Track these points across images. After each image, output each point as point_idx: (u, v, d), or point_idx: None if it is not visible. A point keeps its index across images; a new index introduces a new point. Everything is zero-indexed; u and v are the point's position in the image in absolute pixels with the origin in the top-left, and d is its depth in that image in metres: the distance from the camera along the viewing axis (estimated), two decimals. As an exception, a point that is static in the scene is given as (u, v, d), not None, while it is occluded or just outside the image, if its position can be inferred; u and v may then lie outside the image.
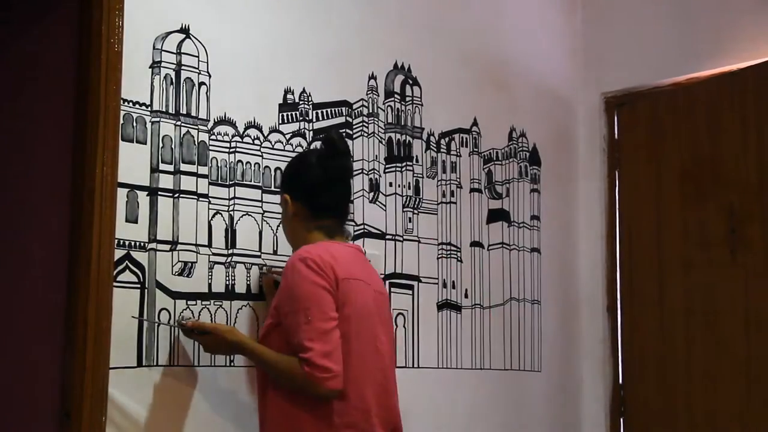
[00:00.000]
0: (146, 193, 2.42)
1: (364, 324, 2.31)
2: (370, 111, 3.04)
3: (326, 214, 2.42)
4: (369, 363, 2.31)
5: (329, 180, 2.42)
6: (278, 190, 2.67)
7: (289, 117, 2.79)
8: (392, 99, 3.12)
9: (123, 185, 2.36)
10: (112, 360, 2.29)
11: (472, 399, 3.30)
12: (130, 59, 2.40)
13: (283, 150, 2.76)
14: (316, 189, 2.41)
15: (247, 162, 2.66)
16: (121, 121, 2.37)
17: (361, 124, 3.00)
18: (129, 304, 2.35)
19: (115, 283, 2.32)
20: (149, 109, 2.45)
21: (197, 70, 2.57)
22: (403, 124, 3.16)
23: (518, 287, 3.55)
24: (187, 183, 2.51)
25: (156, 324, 2.37)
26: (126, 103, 2.39)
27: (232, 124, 2.64)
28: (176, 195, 2.48)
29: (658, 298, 3.64)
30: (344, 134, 2.93)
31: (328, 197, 2.41)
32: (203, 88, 2.58)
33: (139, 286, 2.38)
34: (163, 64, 2.49)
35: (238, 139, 2.64)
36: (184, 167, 2.50)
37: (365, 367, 2.29)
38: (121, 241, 2.35)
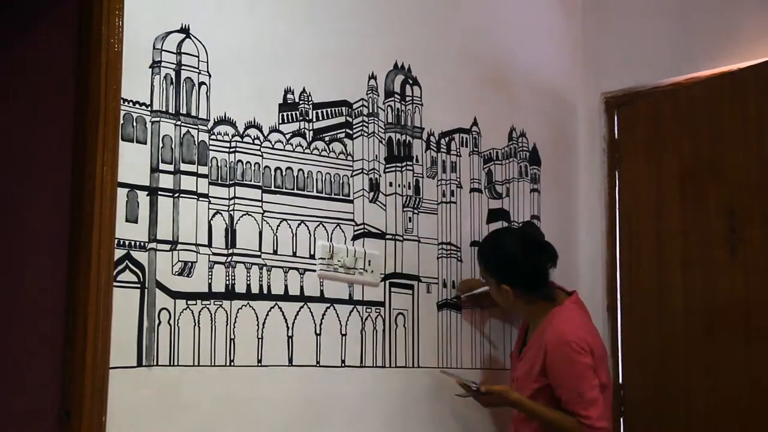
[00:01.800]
0: (146, 193, 2.42)
1: (605, 368, 2.95)
2: (370, 111, 3.04)
3: (541, 285, 3.00)
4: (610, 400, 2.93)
5: (540, 269, 2.99)
6: (279, 189, 2.67)
7: (289, 117, 2.79)
8: (392, 99, 3.12)
9: (123, 185, 2.36)
10: (112, 360, 2.29)
11: (472, 399, 3.29)
12: (130, 59, 2.40)
13: (283, 150, 2.76)
14: (532, 279, 2.98)
15: (247, 162, 2.66)
16: (121, 121, 2.37)
17: (361, 124, 3.00)
18: (129, 304, 2.35)
19: (115, 283, 2.32)
20: (149, 109, 2.45)
21: (197, 70, 2.57)
22: (403, 124, 3.16)
23: (518, 287, 3.55)
24: (187, 183, 2.51)
25: (468, 387, 2.94)
26: (126, 103, 2.39)
27: (232, 124, 2.64)
28: (176, 195, 2.48)
29: (658, 298, 3.63)
30: (343, 134, 2.94)
31: (539, 280, 2.99)
32: (203, 88, 2.58)
33: (139, 286, 2.38)
34: (163, 64, 2.49)
35: (238, 138, 2.65)
36: (184, 167, 2.51)
37: (609, 404, 2.91)
38: (121, 241, 2.35)
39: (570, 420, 2.79)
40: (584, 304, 3.08)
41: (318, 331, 2.79)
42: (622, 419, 3.73)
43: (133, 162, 2.39)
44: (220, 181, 2.59)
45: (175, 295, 2.45)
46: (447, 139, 3.32)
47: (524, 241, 3.05)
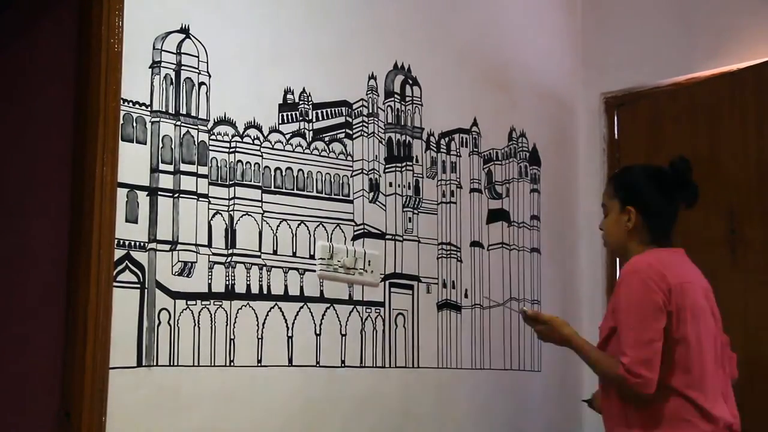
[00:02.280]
0: (146, 193, 2.42)
1: (700, 323, 2.47)
2: (370, 111, 3.04)
3: (661, 234, 2.59)
4: (708, 361, 2.46)
5: (673, 208, 2.59)
6: (279, 190, 2.67)
7: (289, 117, 2.79)
8: (392, 99, 3.12)
9: (123, 185, 2.36)
10: (112, 360, 2.29)
11: (472, 399, 3.30)
12: (130, 59, 2.40)
13: (283, 150, 2.76)
14: (662, 213, 2.58)
15: (247, 162, 2.66)
16: (121, 121, 2.37)
17: (361, 124, 3.00)
18: (129, 304, 2.35)
19: (115, 283, 2.32)
20: (149, 109, 2.45)
21: (197, 70, 2.57)
22: (403, 124, 3.16)
23: (518, 287, 3.55)
24: (187, 183, 2.51)
25: (508, 308, 2.64)
26: (126, 103, 2.39)
27: (232, 124, 2.64)
28: (176, 195, 2.48)
29: (658, 298, 3.63)
30: (342, 134, 2.94)
31: (668, 222, 2.60)
32: (203, 88, 2.58)
33: (139, 286, 2.38)
34: (163, 64, 2.49)
35: (238, 139, 2.65)
36: (184, 167, 2.50)
37: (705, 365, 2.45)
38: (121, 241, 2.35)
39: (610, 359, 2.45)
40: (688, 258, 2.66)
41: (318, 331, 2.79)
42: (622, 419, 3.73)
43: (133, 162, 2.39)
44: (220, 182, 2.59)
45: (175, 295, 2.45)
46: (447, 139, 3.32)
47: (665, 173, 2.62)
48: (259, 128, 2.70)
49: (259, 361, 2.63)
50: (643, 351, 2.37)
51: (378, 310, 2.97)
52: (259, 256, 2.66)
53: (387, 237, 3.05)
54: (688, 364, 2.43)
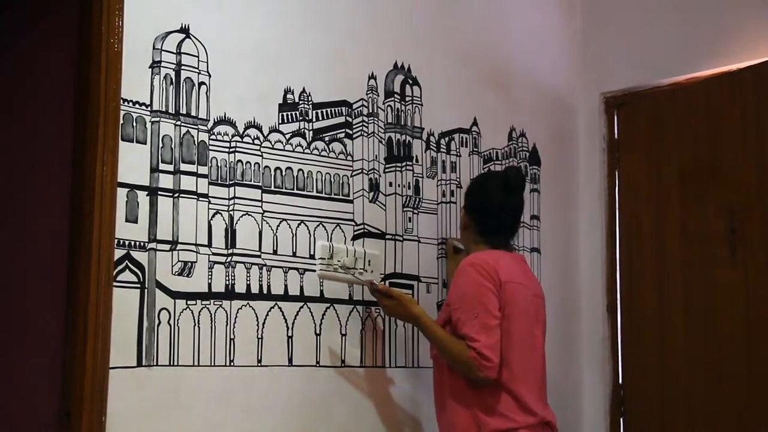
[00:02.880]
0: (146, 193, 2.42)
1: (522, 322, 2.66)
2: (370, 111, 3.04)
3: (492, 234, 2.79)
4: (525, 358, 2.65)
5: (500, 211, 2.79)
6: (279, 189, 2.68)
7: (289, 117, 2.79)
8: (392, 99, 3.12)
9: (123, 185, 2.36)
10: (112, 360, 2.29)
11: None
12: (130, 59, 2.40)
13: (283, 150, 2.76)
14: (488, 215, 2.79)
15: (247, 162, 2.66)
16: (121, 121, 2.37)
17: (361, 124, 3.00)
18: (129, 304, 2.35)
19: (115, 283, 2.32)
20: (149, 109, 2.45)
21: (197, 70, 2.57)
22: (403, 124, 3.16)
23: (518, 287, 3.55)
24: (187, 183, 2.51)
25: (354, 284, 2.75)
26: (126, 103, 2.39)
27: (232, 124, 2.64)
28: (176, 195, 2.48)
29: (658, 298, 3.63)
30: (342, 134, 2.94)
31: (495, 223, 2.79)
32: (203, 88, 2.58)
33: (139, 286, 2.38)
34: (163, 64, 2.49)
35: (238, 139, 2.65)
36: (184, 167, 2.50)
37: (522, 361, 2.63)
38: (121, 241, 2.35)
39: (459, 343, 2.57)
40: (528, 266, 2.91)
41: (318, 331, 2.79)
42: (622, 419, 3.74)
43: (133, 162, 2.39)
44: (220, 181, 2.59)
45: (175, 295, 2.45)
46: (447, 139, 3.32)
47: (499, 180, 2.83)
48: (259, 128, 2.70)
49: (259, 361, 2.63)
50: (489, 336, 2.54)
51: (378, 310, 2.97)
52: (259, 256, 2.66)
53: (387, 237, 3.05)
54: (510, 358, 2.60)
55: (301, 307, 2.76)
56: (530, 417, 2.62)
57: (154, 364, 2.38)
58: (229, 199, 2.61)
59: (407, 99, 3.18)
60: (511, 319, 2.62)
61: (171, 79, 2.50)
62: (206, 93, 2.58)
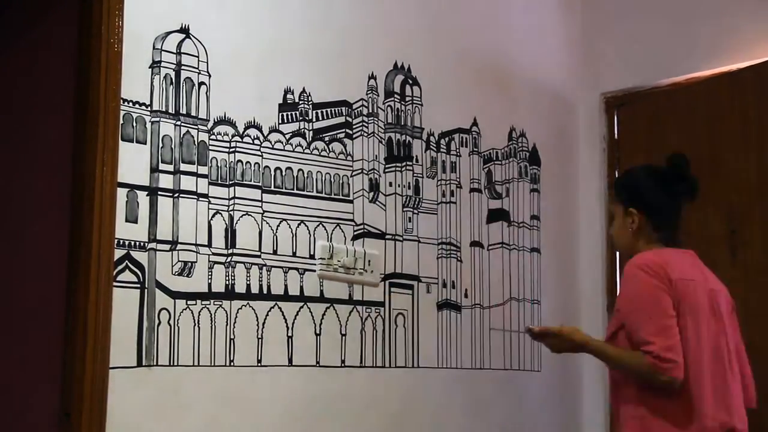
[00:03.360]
0: (146, 193, 2.42)
1: (699, 320, 2.47)
2: (370, 111, 3.04)
3: (668, 230, 2.61)
4: (702, 359, 2.45)
5: (675, 203, 2.61)
6: (279, 189, 2.68)
7: (289, 117, 2.79)
8: (392, 99, 3.12)
9: (123, 185, 2.36)
10: (112, 360, 2.29)
11: (472, 399, 3.30)
12: (130, 59, 2.40)
13: (283, 150, 2.76)
14: (663, 209, 2.60)
15: (247, 162, 2.66)
16: (121, 121, 2.37)
17: (360, 124, 3.00)
18: (129, 304, 2.35)
19: (115, 283, 2.32)
20: (149, 109, 2.45)
21: (197, 70, 2.57)
22: (403, 124, 3.16)
23: (518, 287, 3.55)
24: (187, 183, 2.51)
25: (516, 333, 2.62)
26: (126, 103, 2.39)
27: (232, 124, 2.64)
28: (176, 195, 2.48)
29: (658, 298, 3.63)
30: (342, 134, 2.94)
31: (669, 216, 2.61)
32: (203, 88, 2.58)
33: (139, 286, 2.38)
34: (163, 64, 2.49)
35: (238, 139, 2.65)
36: (184, 167, 2.50)
37: (698, 362, 2.44)
38: (121, 241, 2.35)
39: (634, 354, 2.42)
40: (699, 261, 2.67)
41: (318, 331, 2.79)
42: (622, 419, 3.73)
43: (133, 162, 2.39)
44: (220, 181, 2.59)
45: (175, 295, 2.45)
46: (447, 139, 3.32)
47: (663, 170, 2.64)
48: (259, 128, 2.70)
49: (259, 361, 2.63)
50: (666, 338, 2.38)
51: (378, 310, 2.97)
52: (259, 256, 2.66)
53: (387, 237, 3.05)
54: (685, 359, 2.42)
55: (301, 307, 2.76)
56: (703, 422, 2.41)
57: (154, 364, 2.38)
58: (229, 199, 2.61)
59: (407, 99, 3.18)
60: (685, 318, 2.44)
61: (171, 79, 2.50)
62: (206, 93, 2.58)
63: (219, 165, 2.59)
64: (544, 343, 2.66)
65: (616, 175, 3.85)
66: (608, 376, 2.65)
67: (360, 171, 2.98)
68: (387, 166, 3.08)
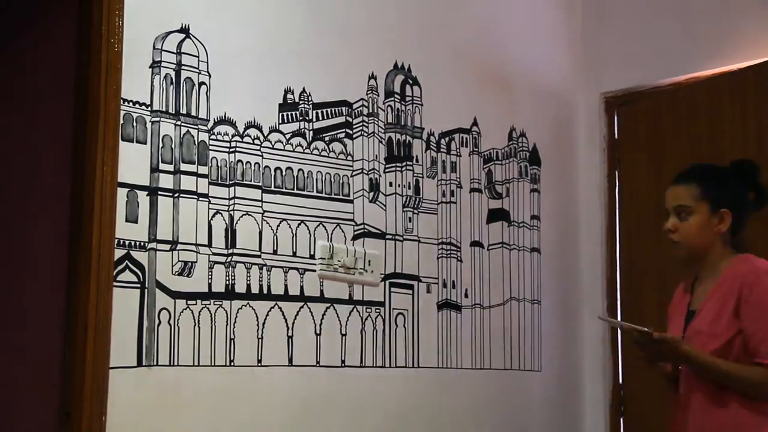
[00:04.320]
0: (146, 193, 2.42)
1: None
2: (370, 111, 3.04)
3: (739, 236, 2.56)
4: None
5: (753, 211, 2.57)
6: (279, 189, 2.68)
7: (289, 117, 2.79)
8: (392, 99, 3.12)
9: (123, 185, 2.36)
10: (112, 360, 2.29)
11: (472, 399, 3.30)
12: (130, 59, 2.40)
13: (283, 150, 2.76)
14: (745, 216, 2.55)
15: (247, 162, 2.66)
16: (121, 121, 2.37)
17: (361, 124, 3.00)
18: (129, 304, 2.35)
19: (115, 283, 2.32)
20: (149, 109, 2.45)
21: (197, 70, 2.57)
22: (403, 124, 3.16)
23: (518, 287, 3.55)
24: (187, 183, 2.51)
25: (638, 331, 2.42)
26: (126, 103, 2.39)
27: (232, 124, 2.64)
28: (176, 195, 2.48)
29: (658, 298, 3.63)
30: (343, 134, 2.94)
31: (746, 223, 2.56)
32: (203, 88, 2.58)
33: (139, 285, 2.38)
34: (163, 64, 2.49)
35: (238, 138, 2.65)
36: (184, 167, 2.50)
37: None
38: (121, 241, 2.35)
39: (754, 369, 2.30)
40: None
41: (318, 331, 2.79)
42: (622, 419, 3.73)
43: (133, 162, 2.39)
44: (220, 181, 2.59)
45: (175, 295, 2.45)
46: (447, 139, 3.31)
47: (750, 175, 2.57)
48: (259, 128, 2.70)
49: (259, 361, 2.63)
50: None
51: (378, 310, 2.97)
52: (259, 256, 2.66)
53: (387, 237, 3.05)
54: None
55: (301, 307, 2.76)
56: None
57: (154, 364, 2.38)
58: (229, 199, 2.61)
59: (407, 99, 3.18)
60: None
61: (171, 79, 2.50)
62: (206, 93, 2.58)
63: (219, 165, 2.59)
64: (644, 350, 2.47)
65: (617, 175, 3.84)
66: (701, 389, 2.43)
67: (360, 171, 2.98)
68: (387, 166, 3.08)
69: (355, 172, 2.96)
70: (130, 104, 2.41)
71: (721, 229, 2.51)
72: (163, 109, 2.48)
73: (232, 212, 2.61)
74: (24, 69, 2.82)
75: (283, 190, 2.75)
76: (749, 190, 2.55)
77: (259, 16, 2.74)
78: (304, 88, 2.83)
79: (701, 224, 2.52)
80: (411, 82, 3.20)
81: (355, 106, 2.99)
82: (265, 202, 2.69)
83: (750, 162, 2.61)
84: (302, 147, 2.81)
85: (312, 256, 2.80)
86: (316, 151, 2.85)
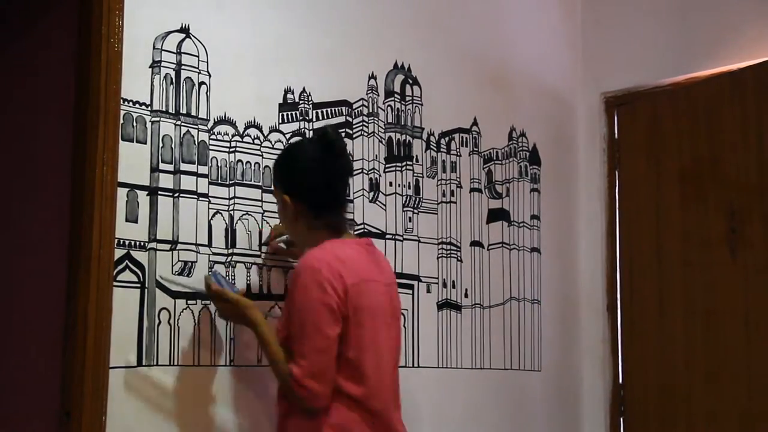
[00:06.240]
0: (146, 192, 2.42)
1: (377, 327, 2.35)
2: (370, 111, 3.04)
3: (328, 212, 2.43)
4: (383, 368, 2.36)
5: (330, 180, 2.42)
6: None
7: (289, 117, 2.79)
8: (392, 99, 3.12)
9: (123, 185, 2.36)
10: (112, 360, 2.29)
11: (472, 399, 3.30)
12: (130, 59, 2.40)
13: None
14: (318, 190, 2.40)
15: (247, 162, 2.66)
16: (121, 121, 2.37)
17: (361, 123, 3.00)
18: (129, 304, 2.35)
19: (115, 283, 2.32)
20: (149, 108, 2.45)
21: (197, 70, 2.57)
22: (403, 123, 3.16)
23: (518, 287, 3.55)
24: (187, 183, 2.51)
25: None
26: (126, 103, 2.39)
27: (232, 124, 2.64)
28: (176, 195, 2.48)
29: (658, 298, 3.63)
30: (343, 134, 2.93)
31: (329, 196, 2.42)
32: (203, 88, 2.58)
33: (139, 285, 2.38)
34: (163, 64, 2.49)
35: (238, 138, 2.65)
36: (184, 167, 2.50)
37: (379, 373, 2.34)
38: (121, 241, 2.35)
39: (285, 366, 2.28)
40: (380, 253, 2.56)
41: (318, 331, 2.79)
42: (622, 419, 3.74)
43: (133, 162, 2.39)
44: (220, 181, 2.59)
45: (176, 294, 2.45)
46: (447, 139, 3.32)
47: (316, 145, 2.44)
48: (259, 128, 2.70)
49: (260, 360, 2.63)
50: (314, 363, 2.22)
51: (378, 310, 2.97)
52: (259, 256, 2.66)
53: (387, 237, 3.05)
54: (365, 372, 2.30)
55: (301, 307, 2.75)
56: None
57: (154, 364, 2.38)
58: (229, 199, 2.61)
59: (407, 99, 3.18)
60: (363, 326, 2.29)
61: (171, 78, 2.50)
62: (206, 93, 2.58)
63: (219, 165, 2.59)
64: (216, 305, 2.43)
65: (617, 176, 3.85)
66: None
67: (360, 171, 2.98)
68: (387, 165, 3.08)
69: (355, 172, 2.96)
70: (130, 104, 2.41)
71: (289, 216, 2.43)
72: (163, 109, 2.48)
73: (232, 212, 2.61)
74: (24, 69, 2.82)
75: (283, 190, 2.74)
76: (326, 155, 2.40)
77: (259, 16, 2.74)
78: (304, 88, 2.83)
79: (281, 215, 2.50)
80: (411, 81, 3.20)
81: (355, 106, 2.99)
82: (265, 202, 2.69)
83: (323, 128, 2.53)
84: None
85: (312, 256, 2.79)
86: (316, 151, 2.85)
